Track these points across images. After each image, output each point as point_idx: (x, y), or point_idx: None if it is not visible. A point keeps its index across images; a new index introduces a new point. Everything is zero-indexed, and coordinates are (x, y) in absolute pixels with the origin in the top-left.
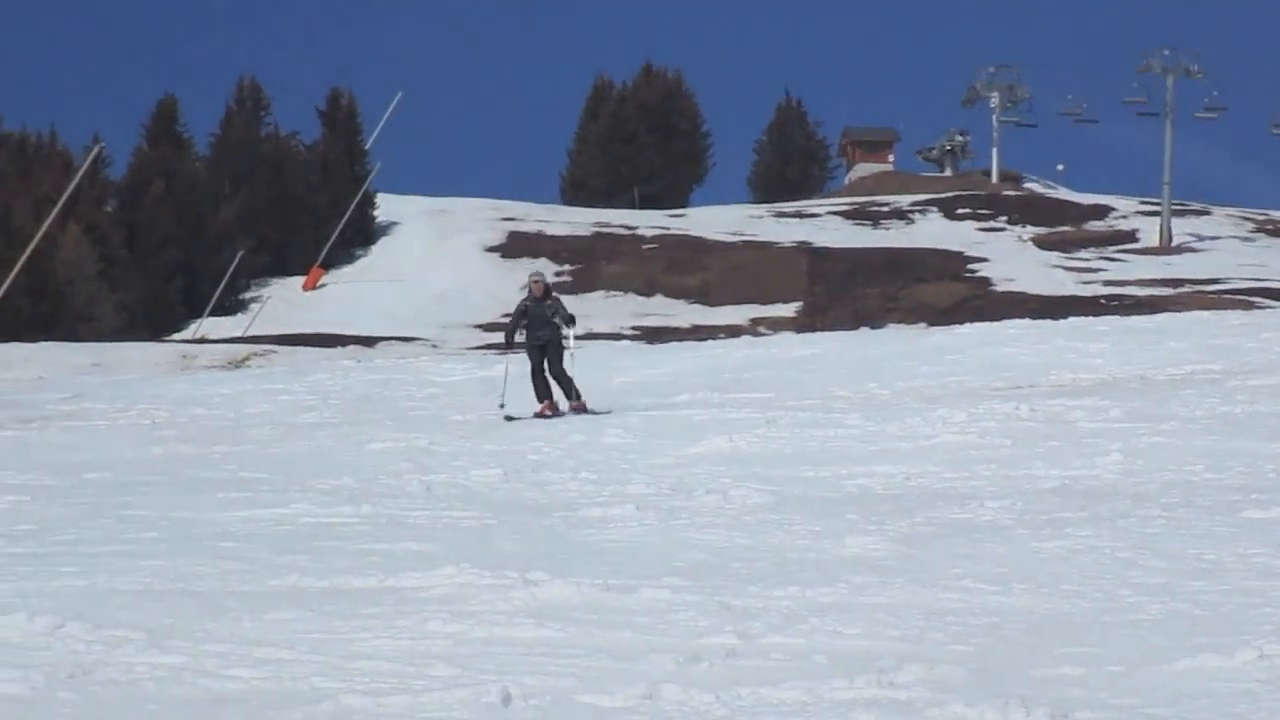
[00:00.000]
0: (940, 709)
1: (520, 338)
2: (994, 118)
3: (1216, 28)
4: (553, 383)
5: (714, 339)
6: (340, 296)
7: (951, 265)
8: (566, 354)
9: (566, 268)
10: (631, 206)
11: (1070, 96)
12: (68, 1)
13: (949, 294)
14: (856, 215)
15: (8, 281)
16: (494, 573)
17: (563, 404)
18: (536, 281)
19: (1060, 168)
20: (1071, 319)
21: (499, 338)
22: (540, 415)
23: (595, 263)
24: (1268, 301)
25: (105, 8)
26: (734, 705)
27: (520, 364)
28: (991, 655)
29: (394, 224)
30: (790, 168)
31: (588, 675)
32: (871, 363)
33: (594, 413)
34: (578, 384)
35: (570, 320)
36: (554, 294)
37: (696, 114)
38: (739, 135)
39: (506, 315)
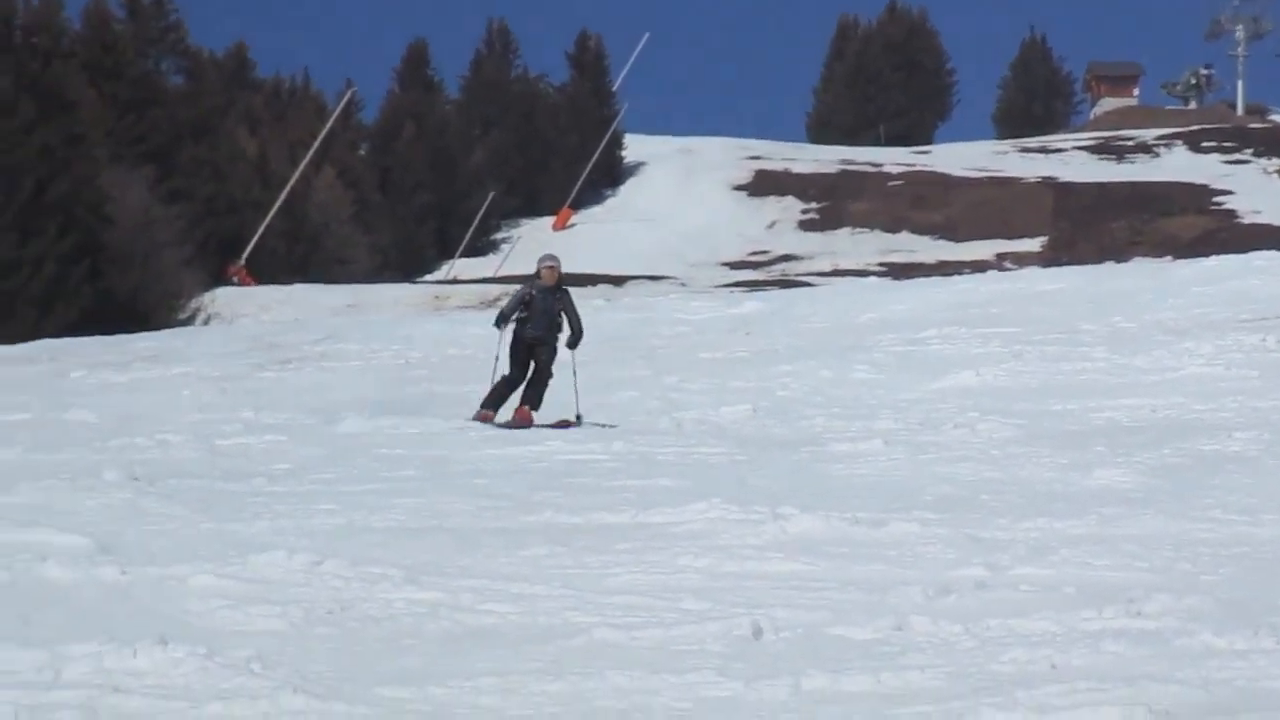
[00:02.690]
0: (1189, 639)
1: (509, 330)
2: (1239, 50)
3: None
4: (525, 384)
5: (959, 274)
6: (589, 236)
7: (1197, 198)
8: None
9: (813, 205)
10: (876, 144)
11: None
12: None
13: (1194, 227)
14: (1101, 150)
15: (264, 224)
16: (744, 508)
17: (508, 413)
18: (550, 267)
19: None
20: None
21: (747, 275)
22: (479, 419)
23: (841, 200)
24: None
25: None
26: (983, 636)
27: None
28: (1240, 585)
29: (641, 164)
30: (1034, 103)
31: (838, 608)
32: (1117, 296)
33: (526, 427)
34: (569, 403)
35: (579, 330)
36: (565, 287)
37: (940, 51)
38: (983, 72)
39: (758, 252)
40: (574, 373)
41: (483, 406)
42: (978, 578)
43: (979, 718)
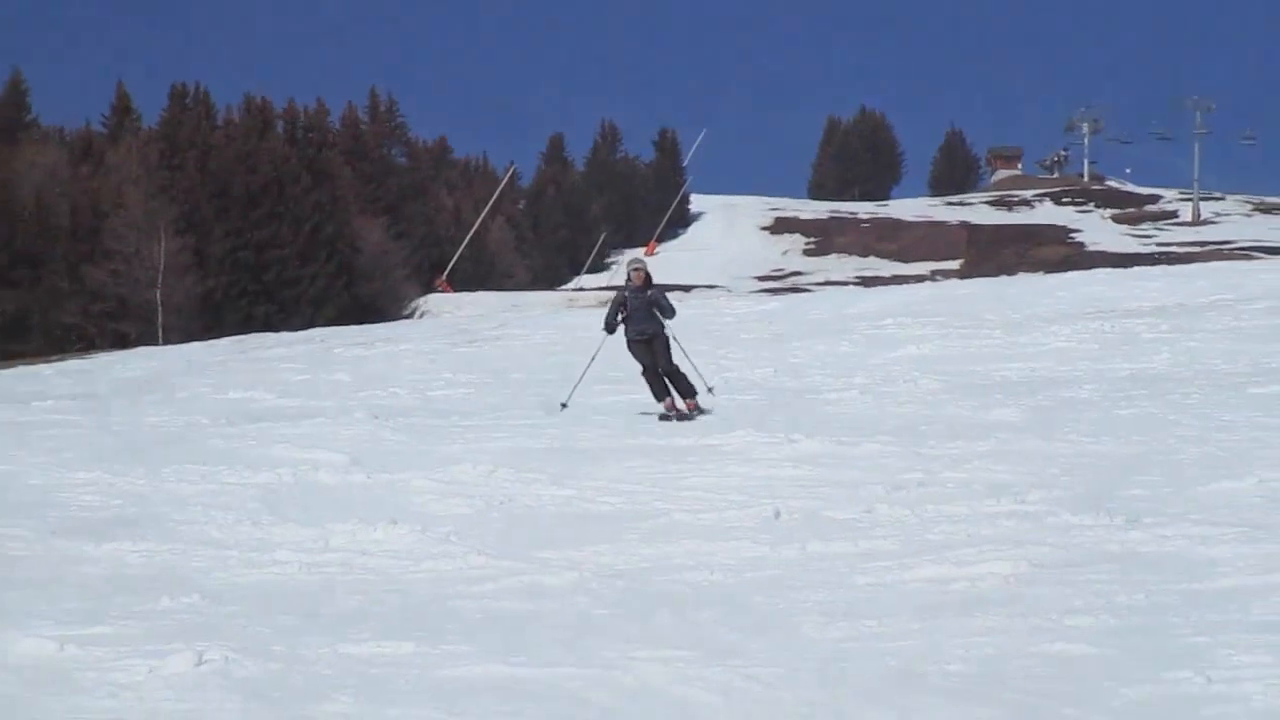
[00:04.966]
0: (1055, 517)
1: (621, 331)
2: (1085, 139)
3: (1234, 75)
4: (667, 381)
5: (907, 284)
6: (668, 260)
7: (1059, 235)
8: (674, 346)
9: (812, 239)
10: (853, 199)
11: (1118, 131)
12: (494, 66)
13: (1058, 253)
14: (998, 203)
15: (458, 253)
16: (768, 434)
17: (679, 403)
18: (637, 270)
19: (1128, 171)
20: (1136, 268)
21: (769, 285)
22: (664, 416)
23: (830, 236)
24: (1262, 255)
25: (514, 74)
26: (923, 517)
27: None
28: (1088, 483)
29: (701, 213)
30: (955, 172)
31: (828, 499)
32: (1008, 298)
33: (703, 411)
34: (694, 378)
35: (670, 312)
36: (654, 284)
37: (895, 139)
38: (922, 151)
39: (777, 270)
40: (683, 353)
41: (660, 401)
42: (919, 479)
43: (921, 569)
